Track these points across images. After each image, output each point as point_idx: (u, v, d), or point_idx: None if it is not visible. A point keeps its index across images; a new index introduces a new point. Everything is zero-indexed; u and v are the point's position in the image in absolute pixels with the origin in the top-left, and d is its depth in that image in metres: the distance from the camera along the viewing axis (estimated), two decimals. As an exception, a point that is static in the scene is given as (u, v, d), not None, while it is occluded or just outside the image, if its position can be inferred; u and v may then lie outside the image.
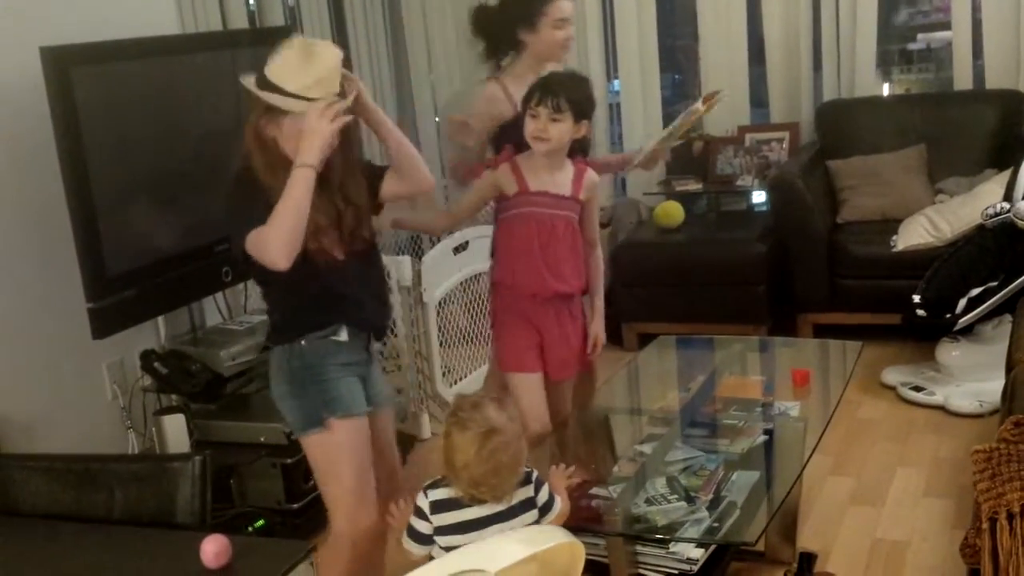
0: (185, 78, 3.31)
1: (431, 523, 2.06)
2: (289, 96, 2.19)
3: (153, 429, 3.25)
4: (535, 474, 2.12)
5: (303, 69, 2.19)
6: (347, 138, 2.32)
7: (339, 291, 2.36)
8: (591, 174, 2.91)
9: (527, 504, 2.08)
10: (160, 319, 3.43)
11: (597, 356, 3.05)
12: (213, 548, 1.76)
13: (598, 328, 3.02)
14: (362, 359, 2.45)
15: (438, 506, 2.05)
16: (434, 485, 2.08)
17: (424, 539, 2.08)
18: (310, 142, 2.17)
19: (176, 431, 3.14)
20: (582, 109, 2.76)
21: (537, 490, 2.10)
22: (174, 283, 3.18)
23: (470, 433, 1.98)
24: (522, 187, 2.81)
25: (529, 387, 2.85)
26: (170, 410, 3.21)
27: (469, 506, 2.03)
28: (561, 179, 2.84)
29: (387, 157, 2.43)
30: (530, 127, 2.75)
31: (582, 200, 2.88)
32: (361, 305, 2.41)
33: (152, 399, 3.41)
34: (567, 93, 2.73)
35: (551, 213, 2.82)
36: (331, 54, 2.22)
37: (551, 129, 2.72)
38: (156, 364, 3.25)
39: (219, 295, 3.64)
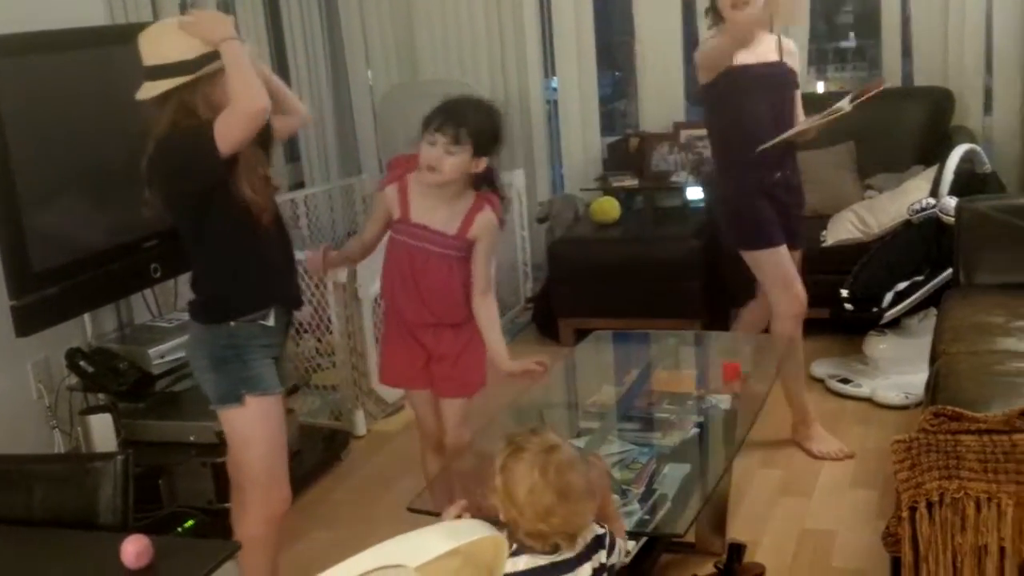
0: (115, 70, 3.24)
1: None
2: (203, 57, 2.25)
3: (79, 429, 3.19)
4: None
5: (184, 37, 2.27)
6: None
7: (271, 259, 2.44)
8: (486, 214, 2.67)
9: (598, 542, 1.85)
10: (87, 317, 3.36)
11: (543, 372, 2.84)
12: (134, 548, 1.74)
13: (512, 367, 2.76)
14: (279, 341, 2.52)
15: None
16: None
17: None
18: (218, 23, 2.26)
19: (103, 431, 3.08)
20: (484, 144, 2.59)
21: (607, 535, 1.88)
22: (101, 280, 3.13)
23: (528, 454, 1.76)
24: (403, 215, 2.67)
25: (412, 402, 2.92)
26: (97, 409, 3.16)
27: (540, 551, 1.77)
28: (450, 213, 2.65)
29: None
30: (424, 154, 2.56)
31: (470, 239, 2.67)
32: (286, 279, 2.51)
33: (79, 398, 3.35)
34: (471, 125, 2.55)
35: (424, 248, 2.66)
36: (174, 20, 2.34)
37: (445, 162, 2.55)
38: (82, 362, 3.20)
39: (148, 292, 3.58)
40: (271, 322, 2.44)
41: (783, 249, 3.39)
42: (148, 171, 2.33)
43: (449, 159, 2.55)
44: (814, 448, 3.45)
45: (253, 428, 2.45)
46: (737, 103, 3.32)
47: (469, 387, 2.83)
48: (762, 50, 3.36)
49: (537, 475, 1.74)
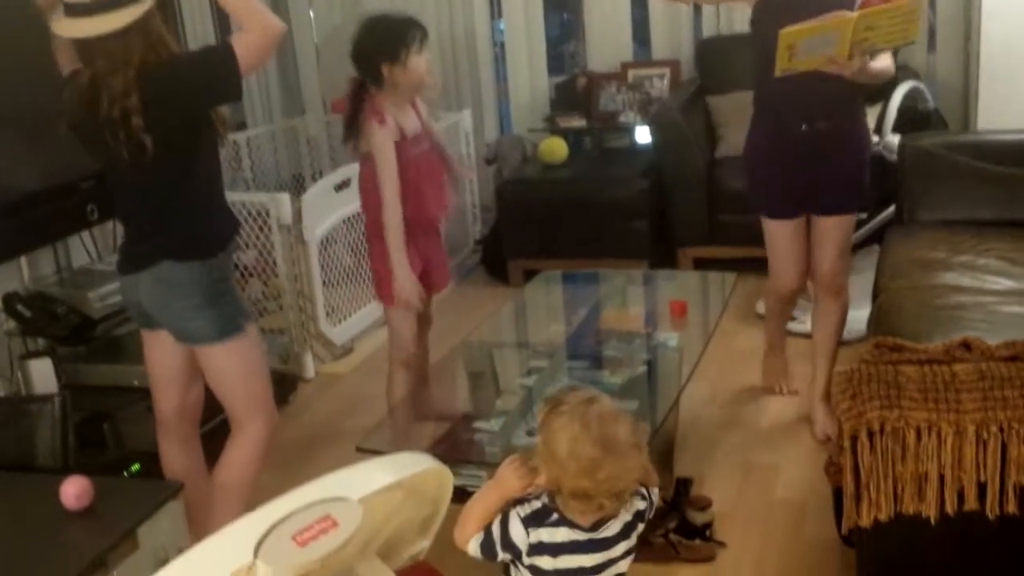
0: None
1: (527, 536, 1.73)
2: None
3: (19, 374, 3.12)
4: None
5: None
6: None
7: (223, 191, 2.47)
8: (419, 103, 3.03)
9: (639, 517, 1.81)
10: (23, 260, 3.28)
11: None
12: (74, 490, 1.71)
13: None
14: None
15: (534, 518, 1.73)
16: (522, 501, 1.76)
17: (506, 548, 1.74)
18: None
19: (43, 376, 3.02)
20: None
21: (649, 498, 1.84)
22: (36, 222, 3.05)
23: (567, 407, 1.69)
24: (403, 138, 2.88)
25: (411, 319, 3.04)
26: (36, 354, 3.09)
27: (581, 527, 1.73)
28: (413, 115, 2.95)
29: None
30: (422, 66, 2.83)
31: (427, 126, 3.03)
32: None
33: (18, 343, 3.27)
34: None
35: (423, 151, 2.94)
36: None
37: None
38: (19, 307, 3.12)
39: (87, 235, 3.50)
40: (238, 250, 2.52)
41: (781, 224, 3.02)
42: (143, 106, 2.18)
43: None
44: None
45: (253, 353, 2.47)
46: (765, 34, 2.75)
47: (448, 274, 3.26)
48: None
49: (578, 427, 1.66)
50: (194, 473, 2.61)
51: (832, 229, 3.01)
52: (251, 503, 2.80)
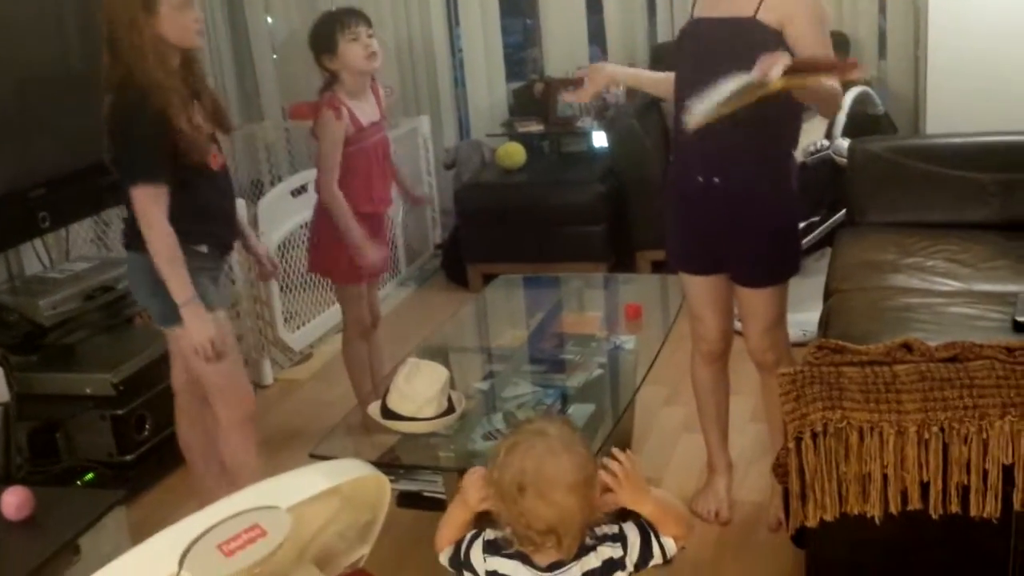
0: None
1: (484, 562, 1.72)
2: None
3: (-31, 383, 3.09)
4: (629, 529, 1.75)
5: None
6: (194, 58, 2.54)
7: (213, 207, 2.54)
8: (382, 91, 3.19)
9: (609, 566, 1.72)
10: (-27, 269, 3.25)
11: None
12: (14, 500, 1.70)
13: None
14: (216, 265, 2.61)
15: (493, 546, 1.72)
16: (476, 536, 1.75)
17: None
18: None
19: (-6, 384, 2.99)
20: None
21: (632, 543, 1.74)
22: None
23: (520, 438, 1.67)
24: (356, 125, 3.00)
25: (359, 295, 3.22)
26: (-13, 363, 3.06)
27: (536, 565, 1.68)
28: (371, 105, 3.08)
29: None
30: (357, 49, 2.92)
31: (385, 116, 3.18)
32: (224, 223, 2.62)
33: (-31, 353, 3.24)
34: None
35: (379, 140, 3.09)
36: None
37: (374, 45, 2.96)
38: (-31, 315, 3.09)
39: (39, 242, 3.47)
40: (204, 249, 2.52)
41: (692, 279, 2.65)
42: None
43: (376, 43, 2.98)
44: None
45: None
46: (677, 60, 2.49)
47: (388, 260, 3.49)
48: None
49: (520, 453, 1.63)
50: (200, 450, 2.71)
51: (752, 302, 2.60)
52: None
